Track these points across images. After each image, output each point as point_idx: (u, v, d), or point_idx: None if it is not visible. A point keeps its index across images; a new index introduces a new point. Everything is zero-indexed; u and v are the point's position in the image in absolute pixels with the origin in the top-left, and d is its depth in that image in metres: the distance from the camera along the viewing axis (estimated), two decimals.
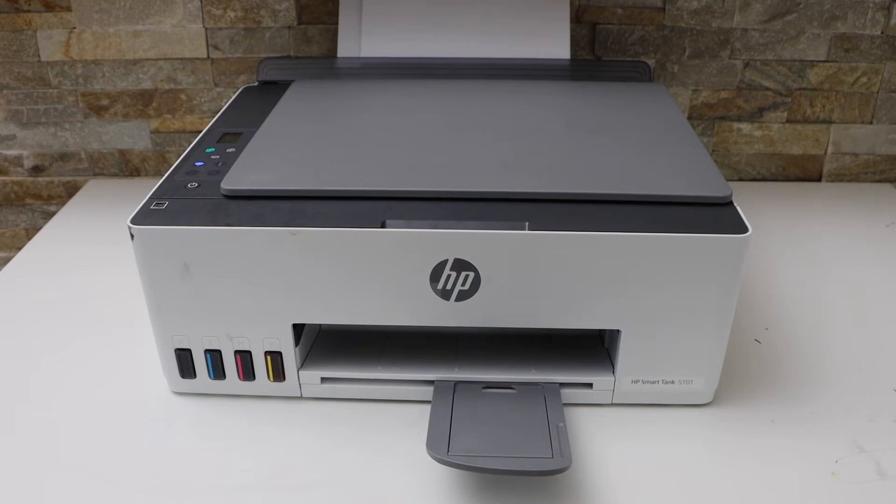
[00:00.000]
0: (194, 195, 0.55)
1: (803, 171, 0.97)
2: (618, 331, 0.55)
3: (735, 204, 0.53)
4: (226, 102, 0.78)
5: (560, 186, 0.54)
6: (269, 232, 0.51)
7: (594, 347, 0.60)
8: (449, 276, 0.52)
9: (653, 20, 0.88)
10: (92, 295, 0.72)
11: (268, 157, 0.58)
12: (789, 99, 0.92)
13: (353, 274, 0.52)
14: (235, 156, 0.60)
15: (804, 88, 0.92)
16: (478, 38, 0.82)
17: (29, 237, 1.01)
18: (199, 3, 0.88)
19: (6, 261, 0.99)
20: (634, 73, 0.81)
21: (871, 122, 0.94)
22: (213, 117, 0.70)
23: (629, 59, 0.90)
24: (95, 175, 0.99)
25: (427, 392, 0.57)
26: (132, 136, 0.96)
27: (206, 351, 0.56)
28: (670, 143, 0.61)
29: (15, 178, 0.99)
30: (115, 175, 0.99)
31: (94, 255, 0.79)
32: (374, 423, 0.57)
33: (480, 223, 0.51)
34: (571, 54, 0.81)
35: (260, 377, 0.57)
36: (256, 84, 0.81)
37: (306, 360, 0.59)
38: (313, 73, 0.80)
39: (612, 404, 0.58)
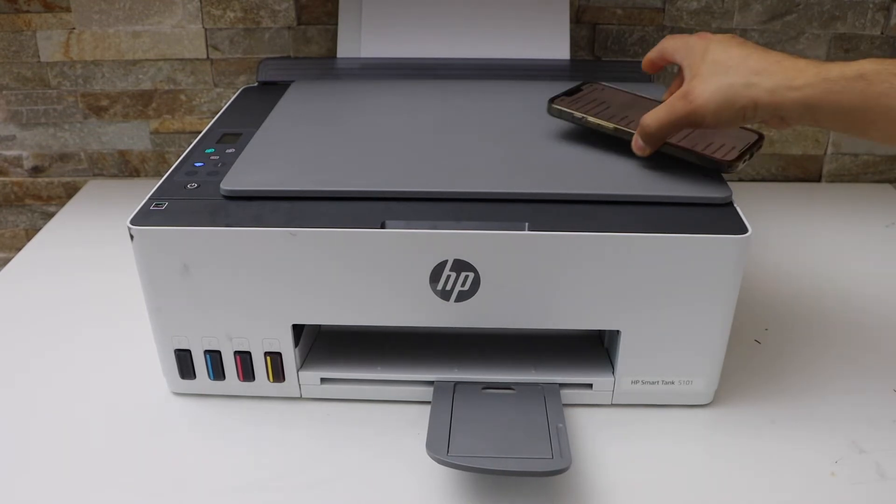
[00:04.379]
0: (194, 196, 0.55)
1: (803, 172, 0.97)
2: (618, 331, 0.55)
3: (735, 204, 0.53)
4: (225, 103, 0.78)
5: (560, 187, 0.54)
6: (268, 232, 0.51)
7: (594, 348, 0.60)
8: (449, 276, 0.52)
9: (652, 20, 0.88)
10: (91, 296, 0.72)
11: (267, 157, 0.58)
12: None
13: (352, 274, 0.52)
14: (235, 156, 0.60)
15: None
16: (478, 39, 0.81)
17: (29, 238, 1.01)
18: (199, 4, 0.88)
19: (6, 261, 0.99)
20: (634, 73, 0.81)
21: None
22: (213, 118, 0.70)
23: (629, 59, 0.90)
24: (95, 175, 0.99)
25: (427, 392, 0.57)
26: (132, 136, 0.96)
27: (206, 351, 0.56)
28: None
29: (15, 179, 0.98)
30: (114, 175, 0.99)
31: (94, 255, 0.79)
32: (374, 423, 0.57)
33: (480, 223, 0.51)
34: (571, 54, 0.81)
35: (260, 378, 0.57)
36: (256, 85, 0.81)
37: (306, 361, 0.59)
38: (313, 74, 0.80)
39: (612, 405, 0.58)
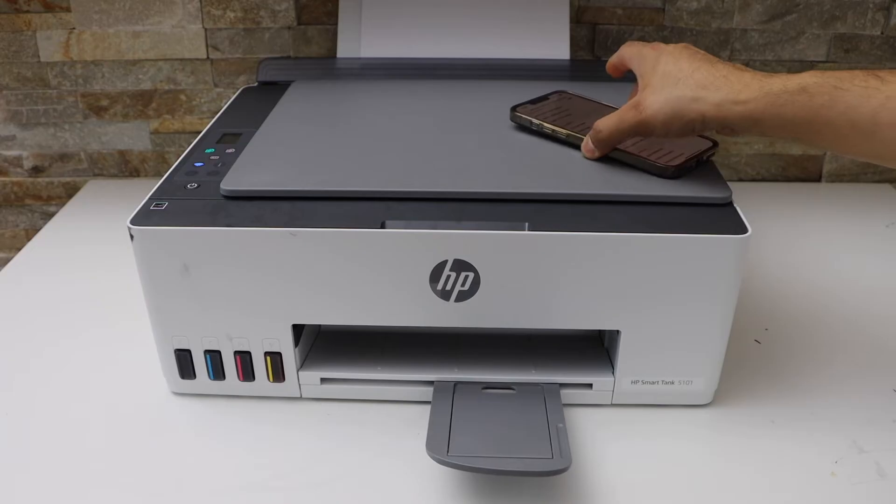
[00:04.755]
0: (194, 196, 0.55)
1: (803, 172, 0.97)
2: (618, 331, 0.55)
3: (735, 204, 0.53)
4: (225, 103, 0.78)
5: (560, 187, 0.54)
6: (269, 232, 0.51)
7: (594, 348, 0.60)
8: (449, 276, 0.52)
9: (653, 20, 0.88)
10: (91, 296, 0.72)
11: (267, 157, 0.58)
12: None
13: (353, 274, 0.52)
14: (235, 156, 0.60)
15: None
16: (478, 39, 0.81)
17: (29, 238, 1.01)
18: (199, 4, 0.88)
19: (6, 261, 0.99)
20: (633, 73, 0.81)
21: None
22: (213, 118, 0.70)
23: None
24: (95, 175, 0.99)
25: (427, 392, 0.57)
26: (132, 136, 0.96)
27: (206, 351, 0.56)
28: None
29: (15, 179, 0.98)
30: (114, 175, 0.99)
31: (94, 255, 0.79)
32: (374, 423, 0.57)
33: (480, 223, 0.51)
34: (571, 54, 0.81)
35: (260, 378, 0.57)
36: (256, 84, 0.81)
37: (306, 361, 0.59)
38: (313, 74, 0.80)
39: (612, 405, 0.58)
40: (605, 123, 0.55)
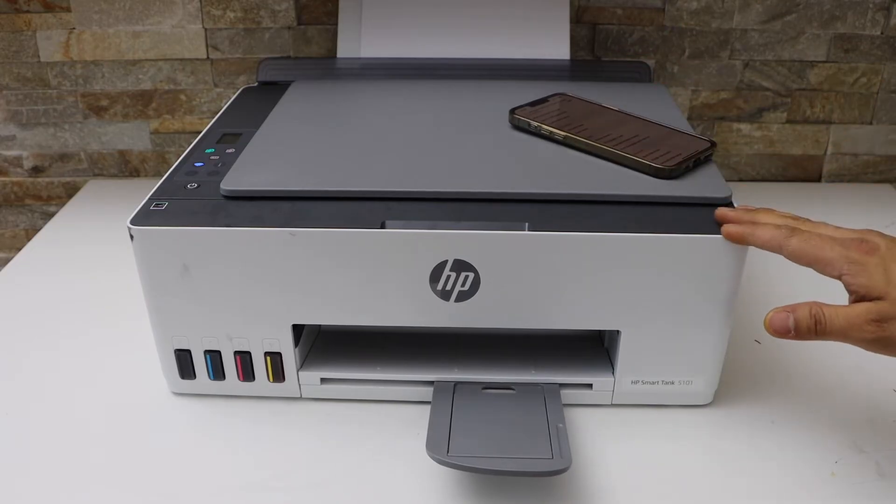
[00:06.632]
0: (194, 196, 0.55)
1: (803, 172, 0.97)
2: (617, 331, 0.55)
3: (735, 204, 0.53)
4: (225, 103, 0.78)
5: (560, 187, 0.54)
6: (268, 232, 0.51)
7: (594, 348, 0.60)
8: (449, 276, 0.52)
9: (652, 21, 0.88)
10: (91, 296, 0.72)
11: (267, 157, 0.58)
12: (789, 99, 0.92)
13: (352, 274, 0.52)
14: (235, 156, 0.60)
15: (804, 89, 0.92)
16: (478, 39, 0.81)
17: (29, 238, 1.00)
18: (199, 4, 0.88)
19: (6, 261, 0.99)
20: (634, 73, 0.81)
21: (870, 123, 0.94)
22: (213, 118, 0.70)
23: (629, 59, 0.90)
24: (95, 175, 0.99)
25: (427, 392, 0.57)
26: (132, 136, 0.96)
27: (206, 352, 0.56)
28: None
29: (15, 179, 0.98)
30: (114, 175, 0.99)
31: (94, 255, 0.79)
32: (374, 423, 0.57)
33: (480, 223, 0.51)
34: (571, 54, 0.81)
35: (260, 378, 0.57)
36: (256, 84, 0.81)
37: (306, 361, 0.59)
38: (313, 74, 0.80)
39: (612, 405, 0.58)
40: (835, 320, 0.47)
